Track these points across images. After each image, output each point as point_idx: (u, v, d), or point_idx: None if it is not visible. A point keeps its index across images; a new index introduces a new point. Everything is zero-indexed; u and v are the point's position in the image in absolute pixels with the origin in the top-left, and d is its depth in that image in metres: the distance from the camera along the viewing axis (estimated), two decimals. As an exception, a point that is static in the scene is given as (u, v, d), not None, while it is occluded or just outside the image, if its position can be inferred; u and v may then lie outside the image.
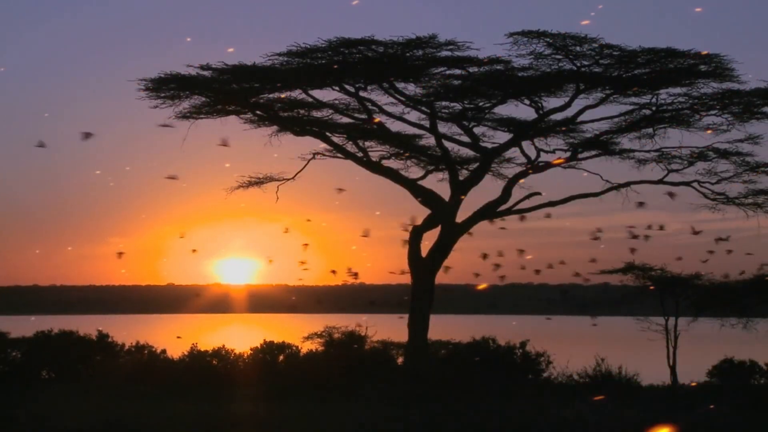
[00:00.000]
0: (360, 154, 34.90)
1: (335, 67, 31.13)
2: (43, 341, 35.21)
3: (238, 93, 33.12)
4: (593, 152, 34.99)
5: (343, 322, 37.16)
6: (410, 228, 33.40)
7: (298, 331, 37.19)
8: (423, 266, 33.42)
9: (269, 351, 35.09)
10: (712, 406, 27.59)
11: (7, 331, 35.44)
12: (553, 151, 34.69)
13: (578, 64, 31.60)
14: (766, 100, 32.40)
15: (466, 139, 34.38)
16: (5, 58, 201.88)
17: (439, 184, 35.73)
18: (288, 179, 35.14)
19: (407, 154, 36.14)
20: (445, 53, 31.26)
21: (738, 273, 35.12)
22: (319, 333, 36.42)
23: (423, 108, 33.41)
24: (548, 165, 34.49)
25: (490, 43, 64.65)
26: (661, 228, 32.22)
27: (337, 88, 32.94)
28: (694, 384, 34.40)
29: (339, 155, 34.99)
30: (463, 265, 33.75)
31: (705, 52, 30.78)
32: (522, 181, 33.74)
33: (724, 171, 34.23)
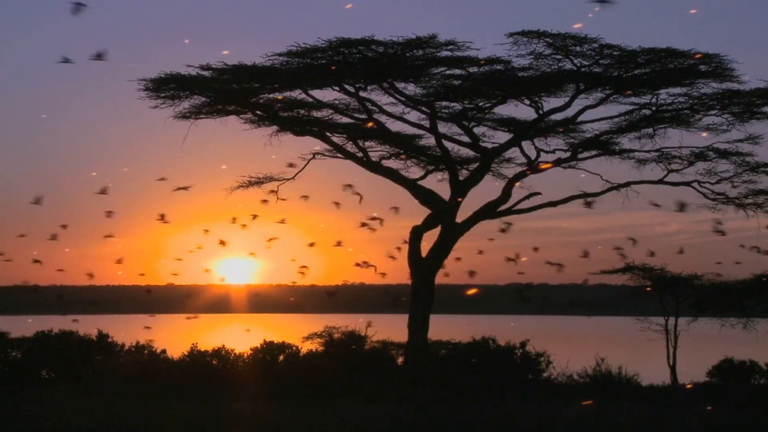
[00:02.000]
0: (360, 154, 34.91)
1: (333, 68, 31.08)
2: (43, 341, 35.20)
3: (238, 93, 33.11)
4: (593, 152, 35.00)
5: (343, 322, 37.16)
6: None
7: (298, 331, 37.20)
8: (423, 266, 33.41)
9: (269, 351, 35.09)
10: (709, 408, 27.59)
11: (7, 331, 35.43)
12: (553, 151, 34.72)
13: (578, 64, 31.59)
14: (766, 100, 32.40)
15: (466, 139, 34.39)
16: (6, 58, 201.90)
17: (439, 184, 35.78)
18: (288, 179, 35.16)
19: (405, 154, 36.17)
20: (445, 53, 31.28)
21: (739, 271, 35.04)
22: (319, 333, 36.43)
23: (423, 108, 33.41)
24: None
25: (490, 43, 64.68)
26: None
27: (337, 88, 32.95)
28: (689, 386, 34.37)
29: (339, 155, 35.01)
30: (462, 264, 33.69)
31: (698, 55, 30.73)
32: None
33: (724, 171, 34.26)
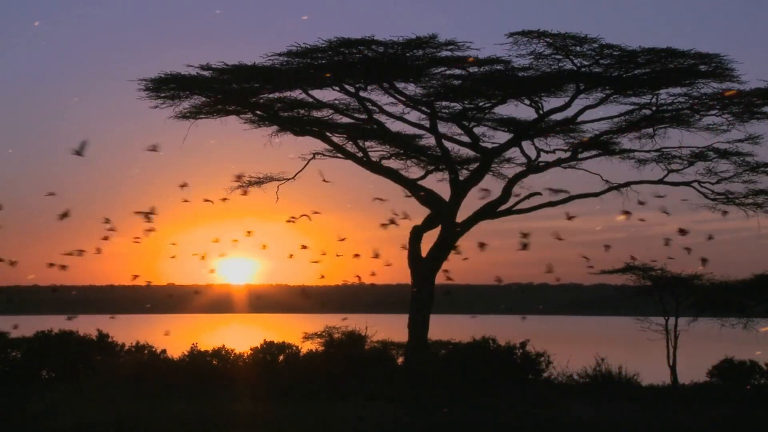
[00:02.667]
0: (360, 154, 34.91)
1: (328, 73, 31.02)
2: (43, 341, 35.20)
3: (238, 93, 33.11)
4: (593, 152, 35.00)
5: (343, 322, 37.15)
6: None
7: (298, 331, 37.20)
8: (423, 266, 33.41)
9: (269, 351, 35.10)
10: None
11: (7, 331, 35.43)
12: (553, 151, 34.72)
13: (578, 64, 31.59)
14: (766, 100, 32.38)
15: (466, 139, 34.38)
16: (7, 59, 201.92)
17: (439, 184, 35.77)
18: (288, 179, 35.15)
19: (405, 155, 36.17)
20: (445, 53, 31.24)
21: (738, 272, 35.11)
22: (319, 333, 36.42)
23: (423, 108, 33.41)
24: (548, 165, 34.52)
25: (490, 43, 64.65)
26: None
27: (337, 88, 32.94)
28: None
29: (339, 155, 35.01)
30: (462, 264, 33.67)
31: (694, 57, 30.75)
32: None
33: (724, 171, 34.25)
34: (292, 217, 31.45)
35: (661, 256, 33.58)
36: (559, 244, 29.69)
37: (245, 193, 32.91)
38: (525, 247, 28.93)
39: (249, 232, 30.45)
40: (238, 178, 32.87)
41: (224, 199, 31.44)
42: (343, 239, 31.23)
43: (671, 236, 30.45)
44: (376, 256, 31.02)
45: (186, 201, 29.70)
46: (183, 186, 28.70)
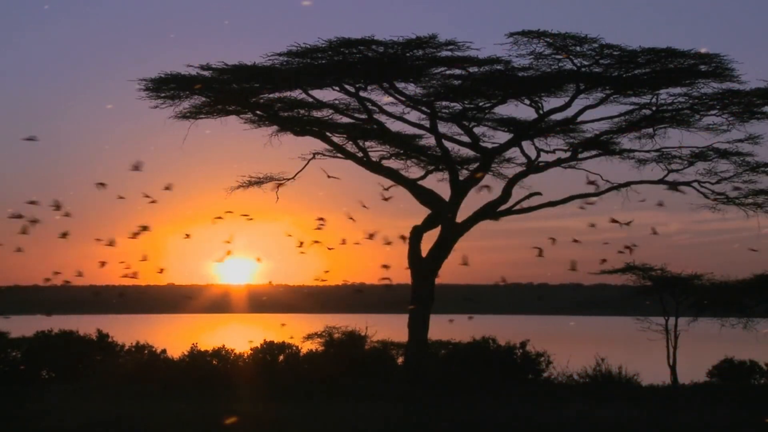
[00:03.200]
0: (360, 154, 34.91)
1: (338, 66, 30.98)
2: (43, 341, 35.20)
3: (238, 93, 33.11)
4: (593, 152, 34.99)
5: (344, 322, 37.14)
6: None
7: (298, 331, 37.18)
8: (423, 266, 33.41)
9: (269, 351, 35.09)
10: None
11: (7, 331, 35.43)
12: (553, 151, 34.72)
13: (578, 64, 31.59)
14: (766, 100, 32.38)
15: (466, 139, 34.39)
16: (7, 59, 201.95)
17: (439, 184, 35.77)
18: (288, 179, 35.17)
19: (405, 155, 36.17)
20: (445, 53, 31.27)
21: (738, 272, 35.11)
22: (319, 333, 36.41)
23: (423, 108, 33.40)
24: (548, 165, 34.53)
25: (490, 43, 64.66)
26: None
27: (337, 88, 32.94)
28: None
29: (339, 155, 35.01)
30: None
31: (694, 57, 30.72)
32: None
33: (724, 171, 34.26)
34: (228, 212, 31.11)
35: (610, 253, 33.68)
36: (559, 244, 29.71)
37: (154, 200, 31.56)
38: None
39: (143, 228, 29.70)
40: (167, 188, 31.38)
41: (152, 201, 30.46)
42: (289, 235, 31.10)
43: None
44: (301, 246, 30.94)
45: (122, 197, 29.21)
46: (100, 185, 28.24)
